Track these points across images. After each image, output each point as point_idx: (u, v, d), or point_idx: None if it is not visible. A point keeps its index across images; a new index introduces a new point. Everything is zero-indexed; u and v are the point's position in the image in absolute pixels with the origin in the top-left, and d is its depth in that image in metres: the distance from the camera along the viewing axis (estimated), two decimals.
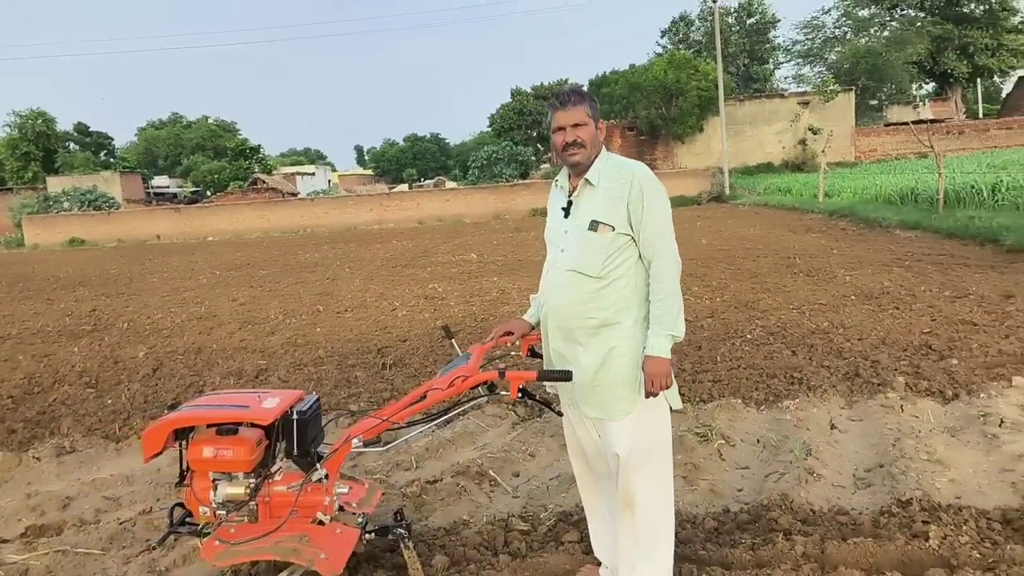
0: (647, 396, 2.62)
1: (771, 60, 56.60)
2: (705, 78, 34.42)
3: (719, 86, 30.89)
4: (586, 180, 2.69)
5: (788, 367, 5.67)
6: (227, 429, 2.80)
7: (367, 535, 2.92)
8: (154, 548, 3.34)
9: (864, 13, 52.55)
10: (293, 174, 60.93)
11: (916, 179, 18.12)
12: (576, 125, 2.64)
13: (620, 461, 2.71)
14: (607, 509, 2.98)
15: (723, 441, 4.36)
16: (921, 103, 50.58)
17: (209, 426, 2.85)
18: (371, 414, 2.93)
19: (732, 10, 54.22)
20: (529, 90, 68.31)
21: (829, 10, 53.15)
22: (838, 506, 3.50)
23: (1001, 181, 14.00)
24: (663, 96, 35.11)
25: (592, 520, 3.06)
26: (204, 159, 60.32)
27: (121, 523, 3.75)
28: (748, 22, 54.58)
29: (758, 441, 4.46)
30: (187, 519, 2.95)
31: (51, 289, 14.51)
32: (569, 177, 2.80)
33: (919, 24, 49.36)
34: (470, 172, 37.45)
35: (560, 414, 2.81)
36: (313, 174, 64.94)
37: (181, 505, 2.97)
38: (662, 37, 58.92)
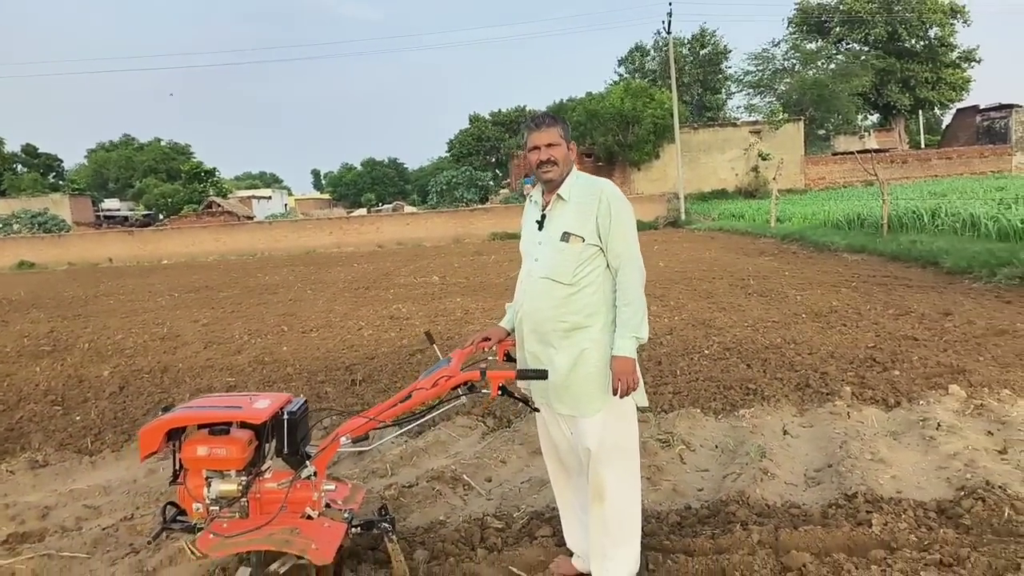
0: (615, 394, 2.84)
1: (723, 90, 58.17)
2: (661, 106, 35.29)
3: (675, 114, 31.73)
4: (558, 195, 2.94)
5: (743, 379, 5.96)
6: (219, 429, 2.95)
7: (353, 529, 3.07)
8: (149, 543, 3.44)
9: (811, 46, 54.46)
10: (249, 197, 60.43)
11: (862, 205, 18.87)
12: (550, 145, 2.89)
13: (591, 455, 2.93)
14: (578, 503, 3.19)
15: (684, 446, 4.61)
16: (866, 133, 52.42)
17: (201, 427, 3.00)
18: (358, 414, 3.10)
19: (686, 41, 55.75)
20: (488, 116, 69.06)
21: (779, 43, 54.89)
22: (790, 501, 3.76)
23: (941, 207, 14.72)
24: (620, 123, 35.86)
25: (564, 513, 3.26)
26: (157, 182, 59.49)
27: (104, 529, 3.83)
28: (701, 52, 56.12)
29: (716, 446, 4.72)
30: (178, 517, 3.07)
31: (3, 311, 14.25)
32: (543, 193, 3.04)
33: (863, 58, 51.36)
34: (429, 196, 37.71)
35: (536, 410, 3.02)
36: (269, 198, 64.51)
37: (173, 504, 3.10)
38: (619, 66, 60.23)
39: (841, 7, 52.52)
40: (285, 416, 2.98)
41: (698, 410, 5.29)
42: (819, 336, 7.33)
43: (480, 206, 33.36)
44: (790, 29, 55.67)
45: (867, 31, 52.35)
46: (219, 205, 47.50)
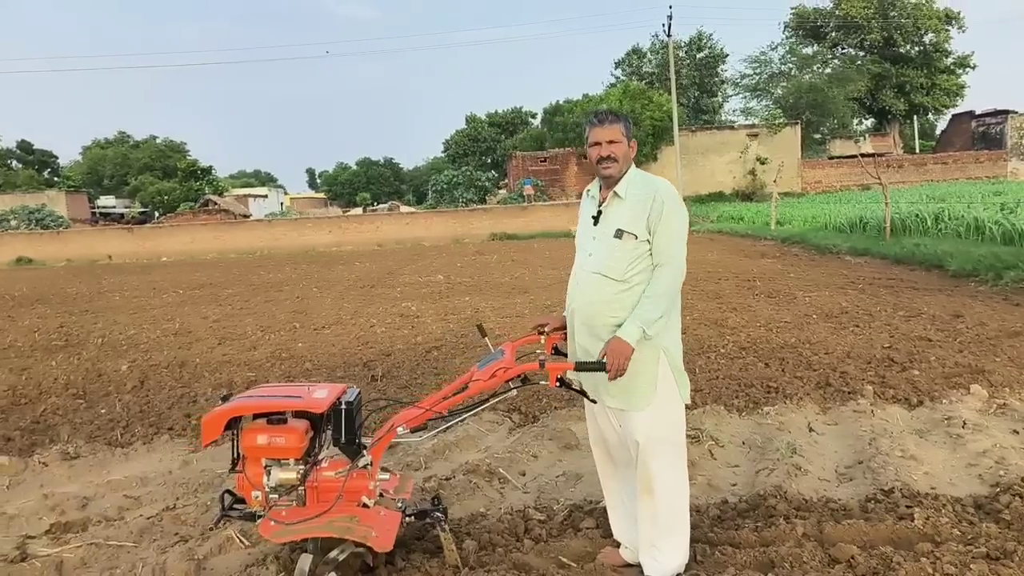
0: (606, 372, 2.85)
1: (720, 93, 58.37)
2: (659, 109, 35.44)
3: (674, 117, 31.85)
4: (615, 193, 2.99)
5: (763, 377, 6.03)
6: (278, 418, 2.99)
7: (407, 518, 3.12)
8: (211, 529, 3.48)
9: (808, 50, 54.73)
10: (245, 196, 60.30)
11: (863, 208, 19.00)
12: (611, 142, 2.95)
13: (640, 448, 2.98)
14: (626, 494, 3.24)
15: (713, 442, 4.67)
16: (862, 138, 52.69)
17: (257, 416, 3.04)
18: (414, 404, 3.15)
19: (683, 44, 55.90)
20: (484, 117, 69.03)
21: (776, 46, 55.13)
22: (826, 496, 3.82)
23: (943, 211, 14.86)
24: None
25: (611, 505, 3.31)
26: (152, 179, 59.27)
27: (148, 518, 3.87)
28: (698, 56, 56.29)
29: (743, 443, 4.78)
30: (235, 505, 3.12)
31: (9, 307, 14.20)
32: (600, 188, 3.09)
33: (859, 62, 51.68)
34: (429, 196, 37.72)
35: (594, 401, 3.06)
36: (266, 196, 64.39)
37: (231, 492, 3.14)
38: (616, 68, 60.30)
39: (837, 12, 52.77)
40: (343, 405, 3.02)
41: (722, 407, 5.35)
42: (833, 336, 7.40)
43: (480, 206, 33.40)
44: (786, 34, 55.95)
45: (863, 36, 52.63)
46: (216, 203, 47.39)
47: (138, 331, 10.21)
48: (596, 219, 3.05)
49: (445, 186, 35.36)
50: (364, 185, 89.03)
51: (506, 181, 40.61)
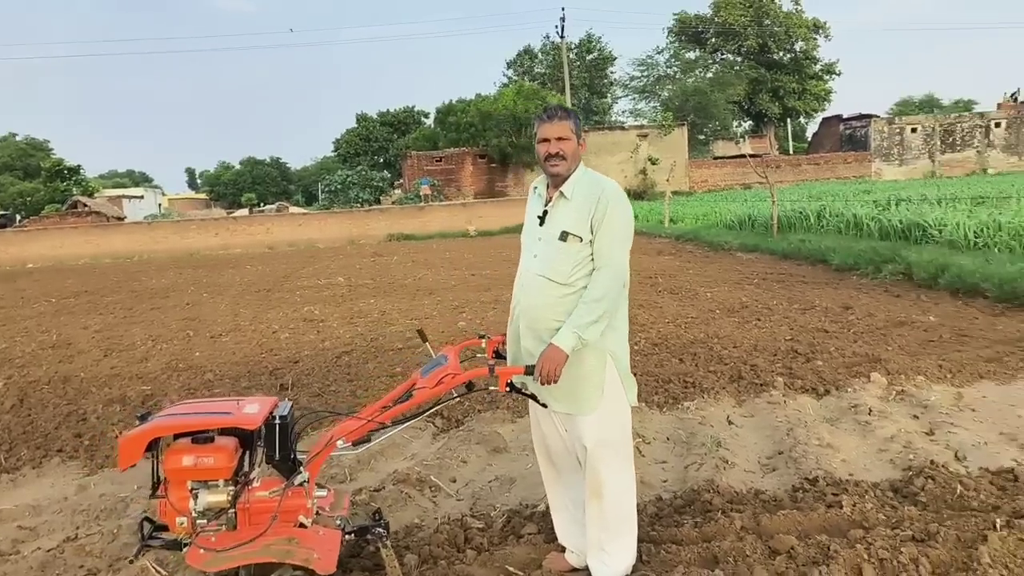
0: (533, 376, 2.82)
1: (609, 94, 59.89)
2: None
3: None
4: (561, 192, 2.94)
5: (679, 373, 6.15)
6: (204, 437, 2.77)
7: (347, 536, 2.96)
8: (131, 562, 3.18)
9: (691, 55, 57.01)
10: (119, 197, 56.84)
11: (750, 207, 19.87)
12: (560, 138, 2.89)
13: (588, 453, 2.94)
14: (569, 499, 3.20)
15: (640, 439, 4.71)
16: (741, 139, 55.26)
17: (178, 436, 2.80)
18: (353, 415, 2.99)
19: (573, 46, 56.92)
20: (375, 116, 67.86)
21: (662, 50, 57.11)
22: (755, 488, 3.92)
23: (825, 209, 15.74)
24: (513, 125, 36.21)
25: (555, 508, 3.26)
26: (13, 180, 55.06)
27: (48, 551, 3.52)
28: (588, 58, 57.52)
29: (668, 439, 4.85)
30: (155, 533, 2.86)
31: None
32: (547, 187, 3.03)
33: (738, 68, 54.20)
34: (322, 197, 36.75)
35: (544, 405, 2.99)
36: (142, 197, 60.97)
37: (149, 520, 2.88)
38: (508, 68, 60.77)
39: (716, 19, 55.13)
40: (277, 420, 2.83)
41: (644, 404, 5.42)
42: (739, 331, 7.66)
43: (376, 207, 32.83)
44: (670, 38, 58.04)
45: (740, 43, 55.24)
46: (85, 205, 44.34)
47: (10, 344, 9.40)
48: (542, 219, 2.99)
49: (339, 186, 34.55)
50: (249, 185, 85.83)
51: (401, 181, 40.12)
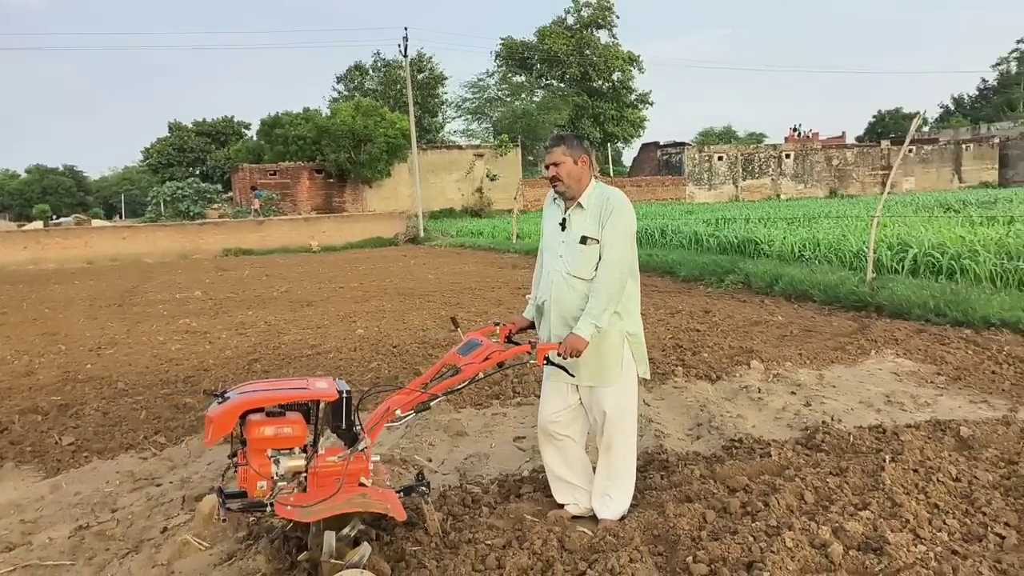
0: (559, 355, 3.46)
1: (440, 113, 60.92)
2: (392, 126, 36.23)
3: (412, 134, 32.87)
4: (579, 203, 3.58)
5: None
6: (277, 411, 3.10)
7: (398, 494, 3.38)
8: (224, 521, 3.36)
9: (518, 79, 59.40)
10: None
11: None
12: (554, 164, 3.54)
13: (606, 417, 3.59)
14: (567, 467, 3.79)
15: None
16: None
17: (253, 411, 3.11)
18: (403, 389, 3.43)
19: (403, 64, 57.48)
20: (190, 125, 64.41)
21: (493, 73, 59.03)
22: (693, 450, 4.72)
23: (668, 226, 17.41)
24: (352, 141, 36.13)
25: (554, 478, 3.83)
26: None
27: (68, 538, 3.62)
28: (419, 76, 58.23)
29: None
30: (228, 499, 3.13)
31: None
32: (565, 199, 3.66)
33: (562, 93, 57.21)
34: (148, 209, 34.62)
35: (572, 375, 3.58)
36: None
37: (220, 489, 3.15)
38: (338, 83, 60.19)
39: (541, 46, 57.93)
40: (345, 394, 3.22)
41: None
42: (647, 327, 8.56)
43: (211, 220, 31.47)
44: (498, 62, 60.15)
45: (563, 70, 58.39)
46: None
47: None
48: (563, 225, 3.61)
49: (168, 198, 32.75)
50: (40, 196, 78.43)
51: (232, 194, 38.63)
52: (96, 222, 44.57)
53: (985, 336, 7.43)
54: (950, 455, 4.15)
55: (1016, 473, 3.91)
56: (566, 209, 3.64)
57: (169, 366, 7.77)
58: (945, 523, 3.37)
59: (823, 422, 4.95)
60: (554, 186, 3.59)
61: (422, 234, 30.02)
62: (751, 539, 3.22)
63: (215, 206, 36.83)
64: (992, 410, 5.24)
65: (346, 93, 57.67)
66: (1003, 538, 3.23)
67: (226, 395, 3.14)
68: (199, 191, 33.73)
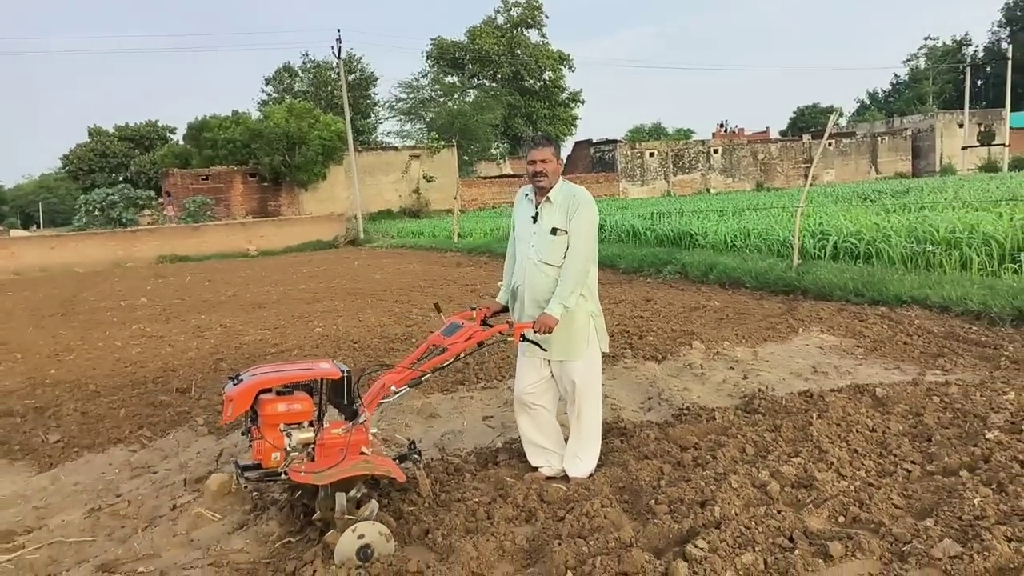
0: (534, 333, 3.94)
1: (372, 115, 60.73)
2: (327, 128, 36.12)
3: (348, 136, 32.90)
4: (548, 198, 4.06)
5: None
6: (286, 390, 3.49)
7: (395, 461, 3.80)
8: (246, 488, 3.69)
9: (451, 79, 59.71)
10: None
11: None
12: (544, 160, 4.00)
13: (575, 387, 4.09)
14: (538, 432, 4.28)
15: None
16: (502, 159, 58.88)
17: (265, 391, 3.48)
18: (394, 369, 3.84)
19: (334, 65, 57.09)
20: (112, 130, 62.51)
21: (426, 74, 59.15)
22: (645, 420, 5.25)
23: (606, 221, 18.07)
24: (286, 144, 35.88)
25: (528, 444, 4.32)
26: None
27: (85, 517, 3.92)
28: (350, 78, 57.91)
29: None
30: (245, 471, 3.49)
31: None
32: (535, 193, 4.12)
33: (495, 93, 57.78)
34: (77, 217, 33.68)
35: (545, 349, 4.05)
36: None
37: (236, 463, 3.52)
38: (267, 85, 59.43)
39: (472, 46, 58.39)
40: (346, 373, 3.62)
41: None
42: None
43: (145, 227, 30.87)
44: (429, 62, 60.33)
45: (495, 70, 59.03)
46: None
47: None
48: (534, 218, 4.08)
49: (100, 205, 31.97)
50: None
51: (163, 200, 37.86)
52: (14, 232, 43.02)
53: (898, 312, 8.22)
54: (867, 411, 4.79)
55: (922, 423, 4.57)
56: (537, 204, 4.11)
57: (135, 368, 7.95)
58: (863, 464, 3.98)
59: (759, 390, 5.56)
60: (538, 180, 4.04)
61: (362, 236, 30.12)
62: (703, 484, 3.76)
63: (147, 212, 36.13)
64: (904, 375, 5.95)
65: (275, 95, 57.00)
66: (909, 472, 3.86)
67: (240, 377, 3.51)
68: (130, 198, 33.00)
